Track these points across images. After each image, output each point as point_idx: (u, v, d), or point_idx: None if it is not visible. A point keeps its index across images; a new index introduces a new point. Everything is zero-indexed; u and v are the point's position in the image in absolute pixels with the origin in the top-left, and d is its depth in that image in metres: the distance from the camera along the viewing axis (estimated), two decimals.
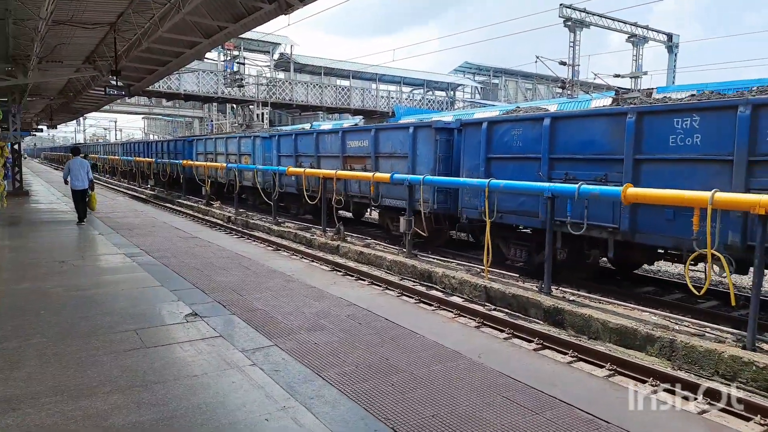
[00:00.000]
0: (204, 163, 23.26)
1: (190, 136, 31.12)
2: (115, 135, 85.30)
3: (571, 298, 7.86)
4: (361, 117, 41.85)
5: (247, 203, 20.76)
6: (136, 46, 13.84)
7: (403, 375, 3.99)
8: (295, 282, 6.90)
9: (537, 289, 8.14)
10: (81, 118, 74.44)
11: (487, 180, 8.65)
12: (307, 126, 31.75)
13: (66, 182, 12.44)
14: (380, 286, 9.57)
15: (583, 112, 10.03)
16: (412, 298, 8.80)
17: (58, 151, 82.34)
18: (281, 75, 42.00)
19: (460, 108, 43.97)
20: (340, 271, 10.62)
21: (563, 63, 30.80)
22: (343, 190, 13.70)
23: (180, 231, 11.40)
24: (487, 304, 8.47)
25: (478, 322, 7.48)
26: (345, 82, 44.95)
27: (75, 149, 14.35)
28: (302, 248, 13.34)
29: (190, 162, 24.68)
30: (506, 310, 8.06)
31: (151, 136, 69.45)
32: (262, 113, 36.21)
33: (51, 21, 11.06)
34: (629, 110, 7.80)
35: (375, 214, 15.65)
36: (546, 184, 7.89)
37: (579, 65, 31.78)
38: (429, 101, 48.62)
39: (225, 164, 20.86)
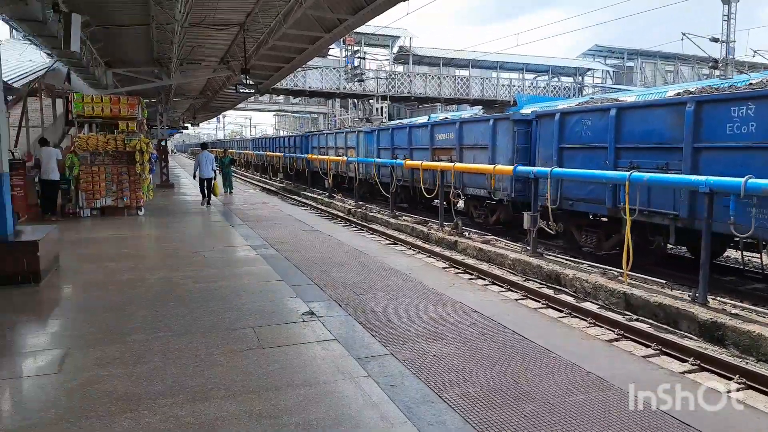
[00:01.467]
0: (327, 157, 23.97)
1: (307, 132, 33.01)
2: (250, 131, 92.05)
3: (733, 311, 6.66)
4: (480, 107, 40.63)
5: (366, 195, 21.02)
6: (263, 45, 14.39)
7: (536, 404, 3.41)
8: (411, 282, 6.54)
9: (689, 298, 7.03)
10: (221, 116, 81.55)
11: (628, 173, 7.72)
12: (424, 118, 31.57)
13: (195, 170, 15.03)
14: (501, 286, 8.93)
15: (645, 102, 10.10)
16: (539, 302, 8.06)
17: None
18: (400, 68, 42.13)
19: (590, 94, 40.81)
20: (459, 269, 10.12)
21: (715, 40, 27.15)
22: (431, 179, 14.31)
23: (303, 224, 11.63)
24: (627, 313, 7.49)
25: (618, 334, 6.59)
26: (464, 72, 43.91)
27: (203, 145, 16.86)
28: (419, 242, 13.02)
29: (314, 156, 25.62)
30: (651, 321, 7.06)
31: (281, 132, 73.84)
32: (381, 107, 36.58)
33: (187, 24, 11.82)
34: (688, 100, 8.09)
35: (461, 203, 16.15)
36: (702, 178, 6.86)
37: (734, 41, 27.87)
38: (554, 88, 45.82)
39: (346, 158, 21.31)
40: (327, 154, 24.41)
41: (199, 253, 8.05)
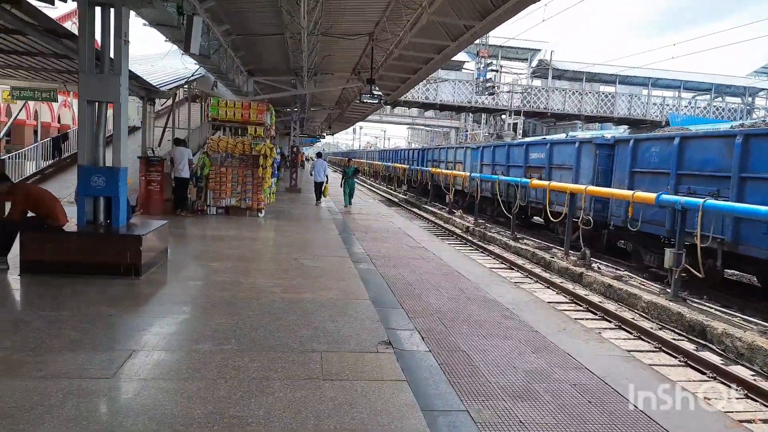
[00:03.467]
0: (450, 171, 23.37)
1: (424, 147, 34.62)
2: (384, 143, 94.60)
3: None
4: (626, 127, 37.24)
5: (486, 214, 20.06)
6: (391, 56, 14.25)
7: None
8: (513, 320, 5.66)
9: None
10: (357, 127, 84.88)
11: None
12: (563, 136, 29.79)
13: (311, 174, 17.64)
14: (629, 332, 7.61)
15: (703, 132, 10.55)
16: (675, 357, 6.68)
17: (338, 155, 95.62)
18: (537, 83, 40.13)
19: (762, 117, 35.36)
20: (580, 306, 8.90)
21: None
22: (525, 196, 15.35)
23: (410, 239, 11.14)
24: None
25: None
26: (609, 88, 40.56)
27: (318, 154, 19.26)
28: (537, 270, 11.85)
29: (437, 169, 25.16)
30: None
31: (413, 145, 74.80)
32: (514, 123, 35.04)
33: (316, 32, 12.02)
34: (737, 132, 8.91)
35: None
36: None
37: None
38: (717, 109, 40.50)
39: (469, 173, 20.53)
40: (438, 167, 26.12)
41: (299, 261, 7.88)
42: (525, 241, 15.08)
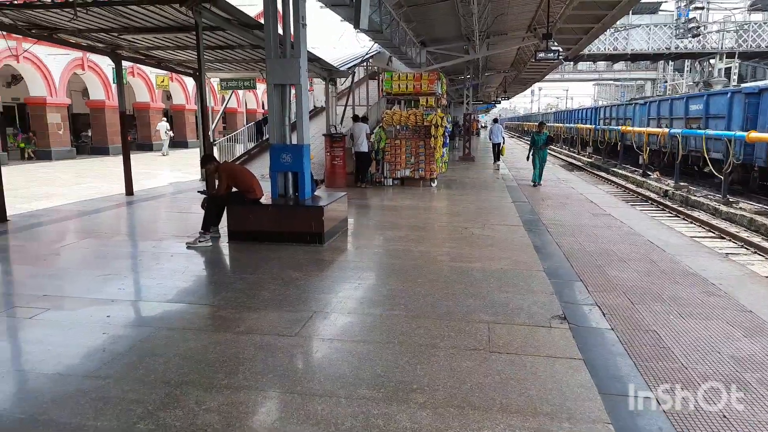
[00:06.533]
0: (643, 129, 20.90)
1: (595, 106, 33.15)
2: (566, 104, 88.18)
3: None
4: None
5: (694, 176, 17.54)
6: (570, 5, 13.02)
7: None
8: (719, 297, 4.82)
9: None
10: (535, 89, 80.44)
11: None
12: None
13: (489, 139, 20.62)
14: None
15: None
16: None
17: (514, 120, 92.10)
18: (758, 17, 33.16)
19: None
20: None
21: None
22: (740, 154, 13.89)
23: (593, 206, 10.23)
24: None
25: None
26: None
27: (495, 120, 21.71)
28: (757, 240, 10.00)
29: (628, 128, 22.66)
30: None
31: (599, 103, 68.57)
32: (726, 67, 29.64)
33: None
34: None
35: None
36: None
37: None
38: None
39: (667, 130, 18.11)
40: (610, 125, 26.59)
41: (469, 230, 7.78)
42: (740, 205, 12.82)
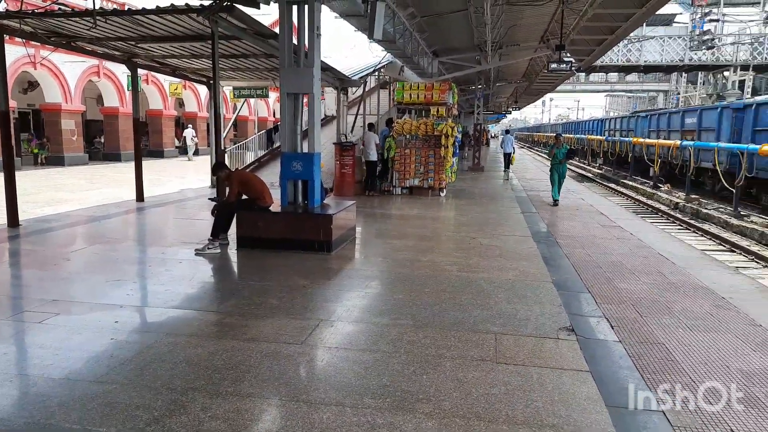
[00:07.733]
0: (653, 141, 20.77)
1: (603, 118, 33.71)
2: (577, 115, 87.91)
3: None
4: None
5: (705, 188, 17.40)
6: (583, 17, 13.02)
7: None
8: (729, 310, 4.76)
9: None
10: (547, 99, 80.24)
11: None
12: None
13: (501, 147, 21.03)
14: None
15: None
16: None
17: (524, 131, 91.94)
18: None
19: None
20: None
21: None
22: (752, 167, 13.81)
23: (602, 217, 10.16)
24: None
25: None
26: None
27: (506, 131, 22.39)
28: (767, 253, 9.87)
29: (638, 140, 22.54)
30: None
31: (611, 114, 68.24)
32: (740, 80, 29.42)
33: (500, 2, 11.52)
34: None
35: None
36: None
37: None
38: None
39: (678, 142, 17.98)
40: (614, 136, 26.98)
41: (477, 239, 7.76)
42: (752, 218, 12.68)
